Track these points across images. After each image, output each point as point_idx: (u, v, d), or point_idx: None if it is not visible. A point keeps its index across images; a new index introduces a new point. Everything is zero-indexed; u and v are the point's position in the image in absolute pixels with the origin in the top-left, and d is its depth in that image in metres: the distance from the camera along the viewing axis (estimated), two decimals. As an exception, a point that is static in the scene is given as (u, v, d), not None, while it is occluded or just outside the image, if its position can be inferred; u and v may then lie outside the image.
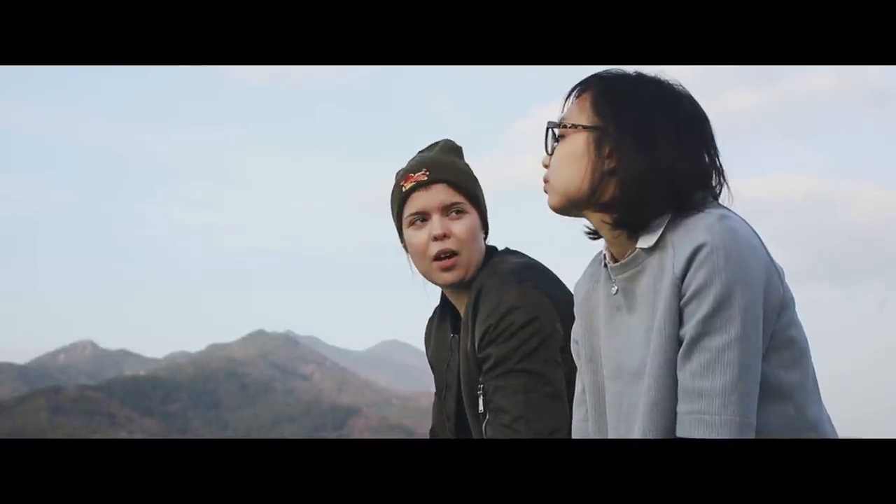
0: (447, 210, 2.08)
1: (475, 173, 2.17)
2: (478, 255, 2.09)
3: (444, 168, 2.10)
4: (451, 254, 2.06)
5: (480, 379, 2.02)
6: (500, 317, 1.96)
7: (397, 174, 2.16)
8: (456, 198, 2.08)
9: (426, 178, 2.08)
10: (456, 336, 2.17)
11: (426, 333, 2.35)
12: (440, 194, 2.08)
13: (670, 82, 1.59)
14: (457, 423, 2.17)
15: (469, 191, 2.10)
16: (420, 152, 2.19)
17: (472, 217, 2.09)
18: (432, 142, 2.20)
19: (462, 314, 2.11)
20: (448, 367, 2.19)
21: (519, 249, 2.17)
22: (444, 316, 2.26)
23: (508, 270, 2.03)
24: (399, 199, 2.12)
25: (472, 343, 2.02)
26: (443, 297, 2.25)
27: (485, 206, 2.15)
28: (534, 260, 2.11)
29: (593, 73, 1.63)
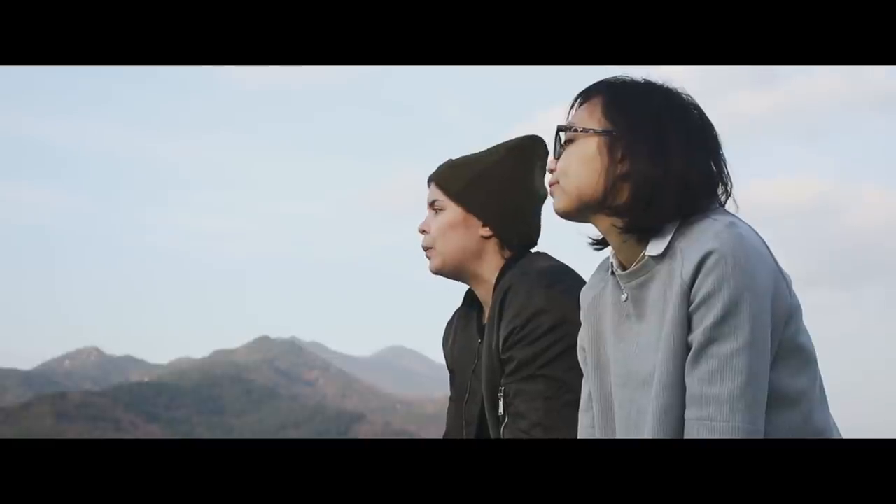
0: (432, 206, 2.18)
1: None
2: (457, 248, 2.13)
3: (440, 168, 2.19)
4: (426, 247, 2.17)
5: (502, 381, 2.01)
6: (526, 319, 1.95)
7: None
8: (437, 195, 2.16)
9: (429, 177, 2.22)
10: (483, 341, 2.14)
11: (445, 335, 2.35)
12: (430, 192, 2.19)
13: (678, 90, 1.60)
14: (478, 430, 2.16)
15: (452, 189, 2.15)
16: None
17: (448, 213, 2.14)
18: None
19: (487, 315, 2.12)
20: (474, 372, 2.17)
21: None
22: (469, 320, 2.26)
23: (539, 273, 2.02)
24: None
25: (497, 343, 2.01)
26: (468, 298, 2.26)
27: (489, 205, 2.13)
28: (564, 264, 2.10)
29: (600, 79, 1.63)
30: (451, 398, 2.30)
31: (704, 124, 1.58)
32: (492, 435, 2.09)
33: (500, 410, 2.01)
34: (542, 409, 1.92)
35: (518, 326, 1.96)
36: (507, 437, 1.98)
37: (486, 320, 2.14)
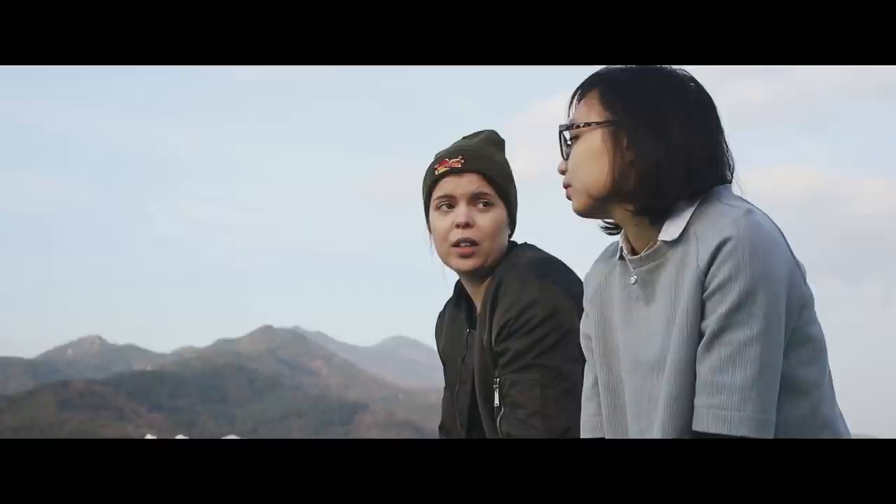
0: (475, 200, 2.08)
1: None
2: (499, 248, 2.09)
3: (480, 158, 2.10)
4: (472, 243, 2.07)
5: (497, 372, 2.01)
6: (520, 310, 1.96)
7: (435, 157, 2.15)
8: (485, 189, 2.08)
9: (460, 165, 2.09)
10: (472, 332, 2.15)
11: (437, 327, 2.34)
12: (471, 183, 2.08)
13: (672, 67, 1.60)
14: (469, 418, 2.17)
15: (500, 185, 2.10)
16: (462, 139, 2.19)
17: (498, 210, 2.09)
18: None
19: (479, 308, 2.11)
20: (463, 362, 2.18)
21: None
22: (459, 310, 2.25)
23: (528, 265, 2.03)
24: (430, 182, 2.13)
25: (490, 336, 2.02)
26: (458, 289, 2.24)
27: (515, 203, 2.15)
28: (552, 256, 2.10)
29: (593, 73, 1.62)
30: (444, 387, 2.30)
31: (703, 100, 1.57)
32: (486, 426, 2.10)
33: (496, 402, 2.02)
34: (539, 398, 1.92)
35: (512, 318, 1.96)
36: (504, 427, 1.98)
37: (476, 312, 2.13)
